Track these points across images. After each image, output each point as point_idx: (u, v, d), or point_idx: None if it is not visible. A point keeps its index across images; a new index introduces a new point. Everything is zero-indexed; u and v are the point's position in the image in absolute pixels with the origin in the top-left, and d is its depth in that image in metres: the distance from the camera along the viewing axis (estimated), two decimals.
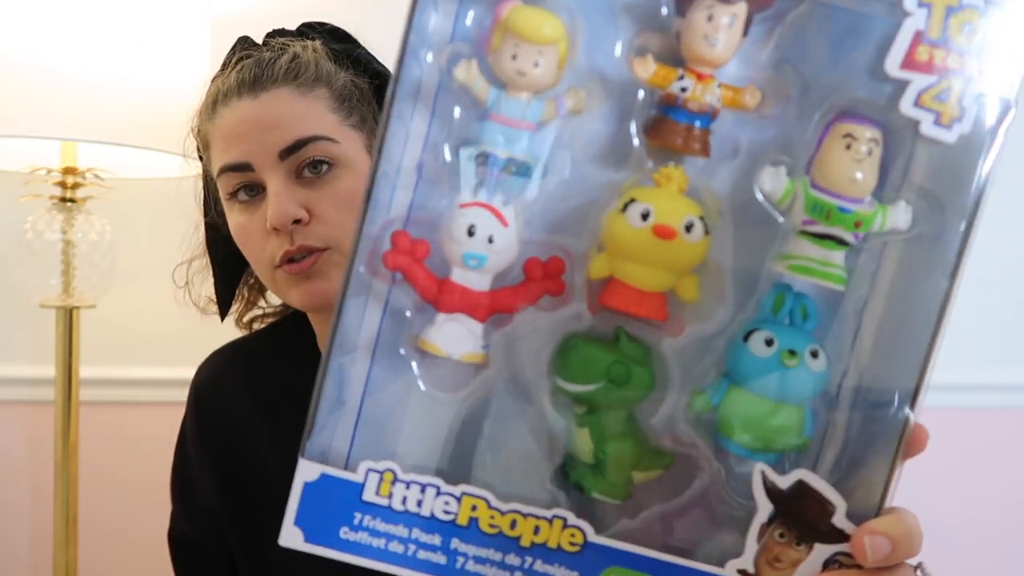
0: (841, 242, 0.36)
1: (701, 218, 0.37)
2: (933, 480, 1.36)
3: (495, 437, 0.38)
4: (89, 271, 1.09)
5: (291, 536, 0.37)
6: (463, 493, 0.35)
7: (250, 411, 0.77)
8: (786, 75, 0.37)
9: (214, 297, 0.85)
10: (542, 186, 0.37)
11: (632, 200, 0.36)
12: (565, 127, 0.38)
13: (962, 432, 1.35)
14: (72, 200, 1.08)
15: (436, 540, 0.35)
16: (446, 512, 0.35)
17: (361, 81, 0.73)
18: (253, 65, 0.69)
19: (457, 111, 0.37)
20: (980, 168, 0.35)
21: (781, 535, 0.36)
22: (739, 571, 0.35)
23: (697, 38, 0.36)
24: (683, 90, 0.36)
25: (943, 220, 0.36)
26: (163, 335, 1.28)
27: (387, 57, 0.80)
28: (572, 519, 0.35)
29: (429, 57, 0.37)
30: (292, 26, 0.78)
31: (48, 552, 1.20)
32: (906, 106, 0.35)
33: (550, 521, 0.35)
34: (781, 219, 0.37)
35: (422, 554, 0.35)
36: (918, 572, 0.40)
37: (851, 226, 0.36)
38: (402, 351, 0.38)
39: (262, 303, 0.88)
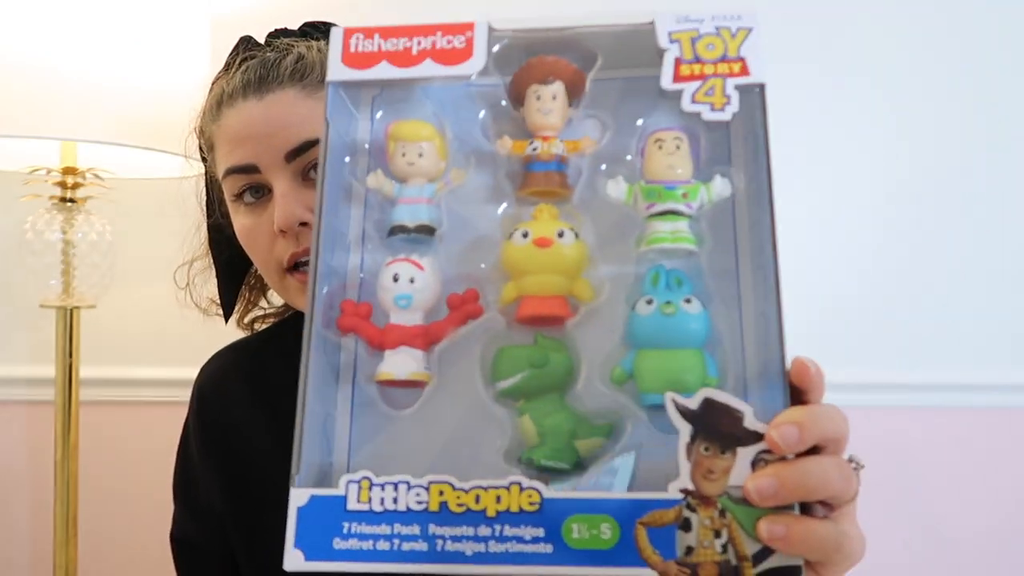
0: (679, 213, 0.46)
1: (571, 228, 0.47)
2: (933, 480, 1.35)
3: (450, 436, 0.46)
4: (89, 271, 1.10)
5: (293, 560, 0.41)
6: (429, 482, 0.41)
7: (252, 412, 0.77)
8: (604, 120, 0.51)
9: (216, 299, 0.84)
10: (447, 238, 0.49)
11: (516, 228, 0.47)
12: (455, 194, 0.50)
13: (962, 432, 1.35)
14: (72, 200, 1.08)
15: (415, 530, 0.40)
16: (418, 502, 0.40)
17: None
18: (258, 66, 0.69)
19: (374, 203, 0.51)
20: (759, 129, 0.45)
21: (706, 448, 0.40)
22: (681, 491, 0.40)
23: (534, 114, 0.49)
24: (535, 149, 0.48)
25: (747, 175, 0.47)
26: (163, 335, 1.28)
27: None
28: (526, 483, 0.40)
29: (347, 159, 0.51)
30: (293, 26, 0.78)
31: (48, 552, 1.20)
32: (686, 105, 0.45)
33: (508, 488, 0.40)
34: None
35: (406, 546, 0.40)
36: (852, 463, 0.42)
37: (680, 198, 0.46)
38: (363, 386, 0.47)
39: (263, 303, 0.88)
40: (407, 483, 0.41)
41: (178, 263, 1.26)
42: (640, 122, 0.50)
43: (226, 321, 0.86)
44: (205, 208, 0.81)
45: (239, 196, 0.69)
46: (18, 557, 1.29)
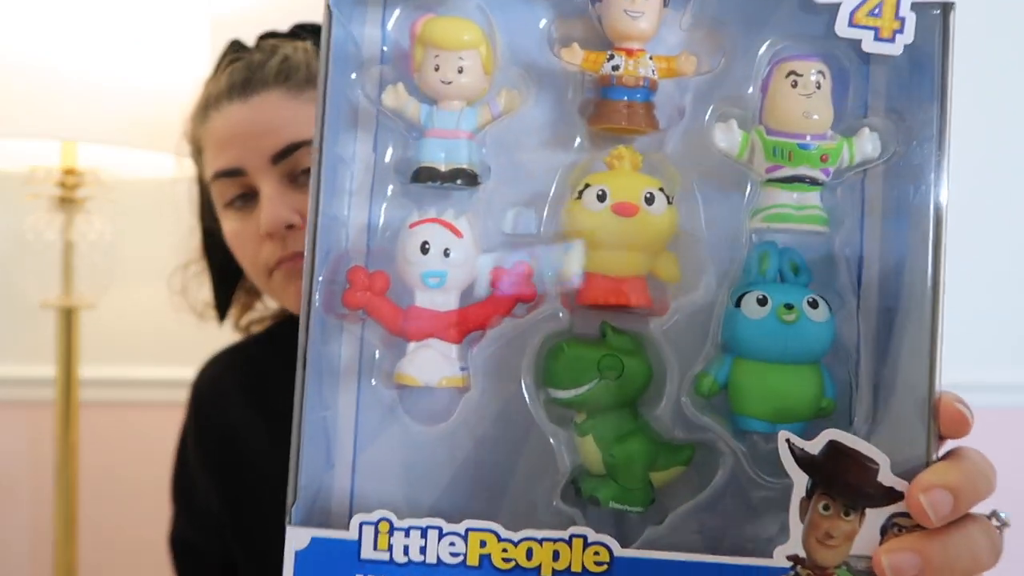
0: (813, 182, 0.34)
1: (660, 189, 0.35)
2: None
3: (492, 463, 0.35)
4: (89, 271, 1.09)
5: None
6: (468, 529, 0.31)
7: (249, 414, 0.77)
8: (716, 32, 0.36)
9: (212, 302, 0.84)
10: (491, 188, 0.36)
11: (587, 185, 0.35)
12: (504, 128, 0.37)
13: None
14: (72, 200, 1.08)
15: None
16: (453, 555, 0.31)
17: None
18: (243, 68, 0.69)
19: (396, 133, 0.36)
20: (935, 74, 0.33)
21: (826, 507, 0.31)
22: (788, 557, 0.31)
23: (619, 16, 0.35)
24: (615, 68, 0.35)
25: (911, 136, 0.34)
26: (163, 335, 1.27)
27: None
28: (592, 536, 0.31)
29: (353, 76, 0.36)
30: (286, 26, 0.78)
31: (48, 552, 1.20)
32: (842, 28, 0.33)
33: (569, 543, 0.31)
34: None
35: None
36: (993, 520, 0.35)
37: (817, 162, 0.34)
38: (379, 389, 0.36)
39: (259, 306, 0.88)
40: (439, 529, 0.32)
41: (177, 264, 1.26)
42: (767, 44, 0.36)
43: (219, 323, 0.85)
44: (199, 211, 0.81)
45: (229, 203, 0.69)
46: (18, 557, 1.28)
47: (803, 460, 0.31)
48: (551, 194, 0.37)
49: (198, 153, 0.73)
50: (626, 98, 0.35)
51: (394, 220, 0.36)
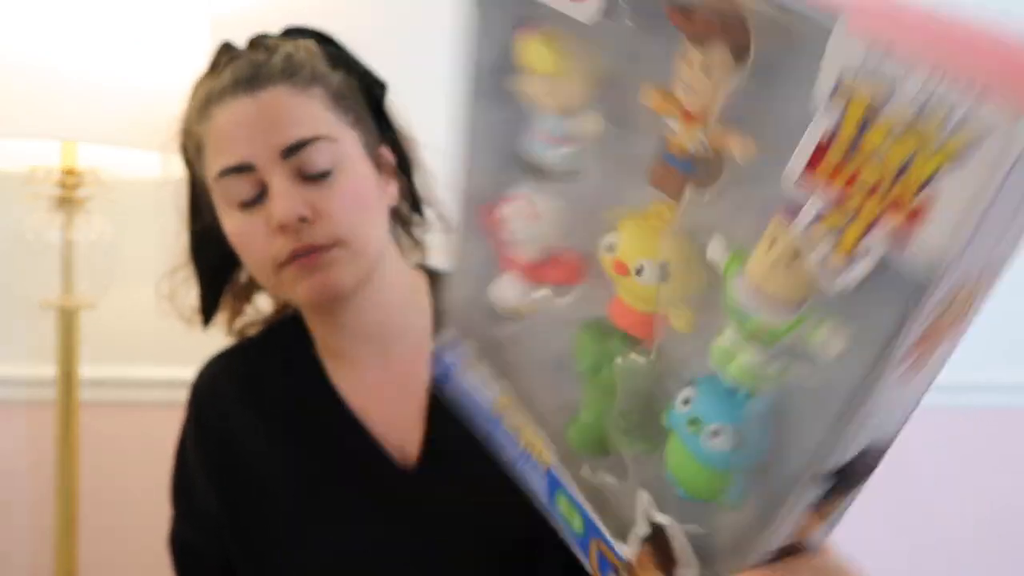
0: (762, 346, 0.34)
1: (658, 263, 0.35)
2: (932, 480, 1.36)
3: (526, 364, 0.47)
4: (89, 271, 1.10)
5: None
6: (496, 395, 0.47)
7: (248, 416, 0.77)
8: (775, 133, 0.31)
9: (199, 306, 0.84)
10: (571, 190, 0.41)
11: (609, 232, 0.38)
12: (595, 144, 0.40)
13: (962, 432, 1.35)
14: (72, 200, 1.08)
15: (484, 416, 0.47)
16: (486, 402, 0.47)
17: (351, 81, 0.73)
18: (247, 65, 0.68)
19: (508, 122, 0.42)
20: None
21: (651, 553, 0.37)
22: (624, 558, 0.38)
23: (678, 84, 0.33)
24: (671, 131, 0.34)
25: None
26: (163, 335, 1.27)
27: (381, 57, 0.80)
28: (548, 441, 0.44)
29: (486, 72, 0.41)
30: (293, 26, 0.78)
31: (48, 552, 1.20)
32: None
33: (538, 436, 0.44)
34: None
35: (481, 422, 0.47)
36: None
37: (785, 331, 0.32)
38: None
39: (249, 310, 0.87)
40: (486, 383, 0.47)
41: (163, 274, 1.26)
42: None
43: (204, 326, 0.84)
44: (188, 213, 0.80)
45: (234, 202, 0.68)
46: (18, 557, 1.29)
47: (647, 518, 0.38)
48: (611, 205, 0.40)
49: (197, 151, 0.72)
50: (667, 162, 0.35)
51: (498, 184, 0.45)
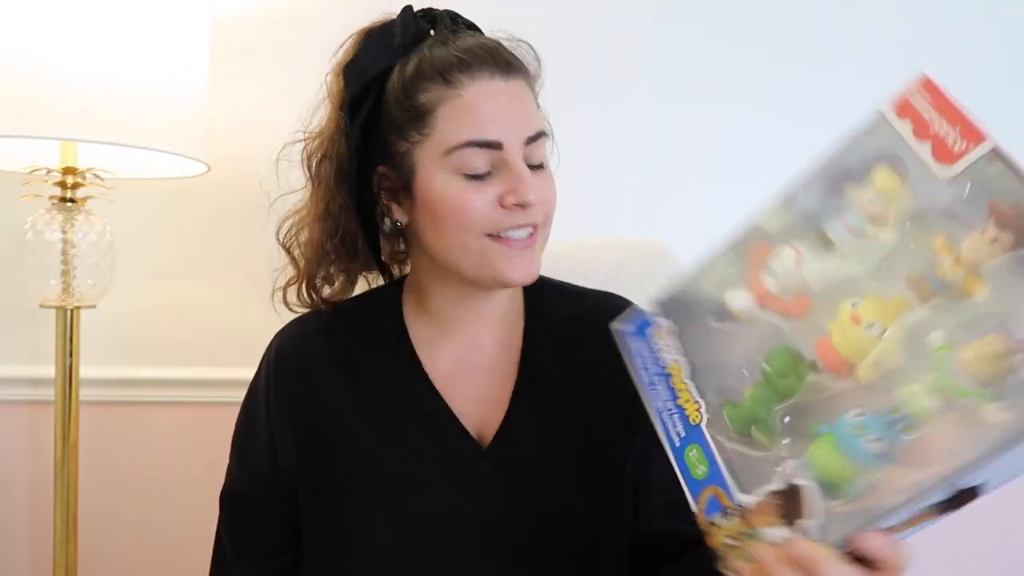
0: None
1: (886, 326, 0.51)
2: None
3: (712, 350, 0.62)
4: (89, 271, 1.10)
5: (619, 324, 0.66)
6: (675, 359, 0.62)
7: (335, 375, 0.79)
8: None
9: (287, 283, 0.83)
10: (834, 260, 0.56)
11: (860, 290, 0.53)
12: (874, 243, 0.55)
13: None
14: (72, 200, 1.08)
15: (655, 369, 0.63)
16: (663, 361, 0.63)
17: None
18: (499, 48, 0.73)
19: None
20: None
21: (776, 504, 0.51)
22: (740, 502, 0.53)
23: (968, 245, 0.49)
24: (941, 263, 0.50)
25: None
26: (163, 335, 1.28)
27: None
28: (702, 408, 0.58)
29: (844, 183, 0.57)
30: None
31: (48, 552, 1.20)
32: None
33: (695, 401, 0.59)
34: None
35: (642, 374, 0.64)
36: None
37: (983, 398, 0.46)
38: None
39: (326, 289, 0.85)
40: (675, 355, 0.62)
41: (178, 263, 1.26)
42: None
43: (295, 297, 0.83)
44: (355, 178, 0.77)
45: (468, 172, 0.70)
46: (18, 557, 1.29)
47: (787, 479, 0.52)
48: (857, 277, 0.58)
49: (423, 114, 0.71)
50: (928, 280, 0.50)
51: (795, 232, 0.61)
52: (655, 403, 0.61)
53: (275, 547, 0.81)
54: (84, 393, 1.15)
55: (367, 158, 0.76)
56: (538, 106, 0.76)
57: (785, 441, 0.53)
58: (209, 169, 1.10)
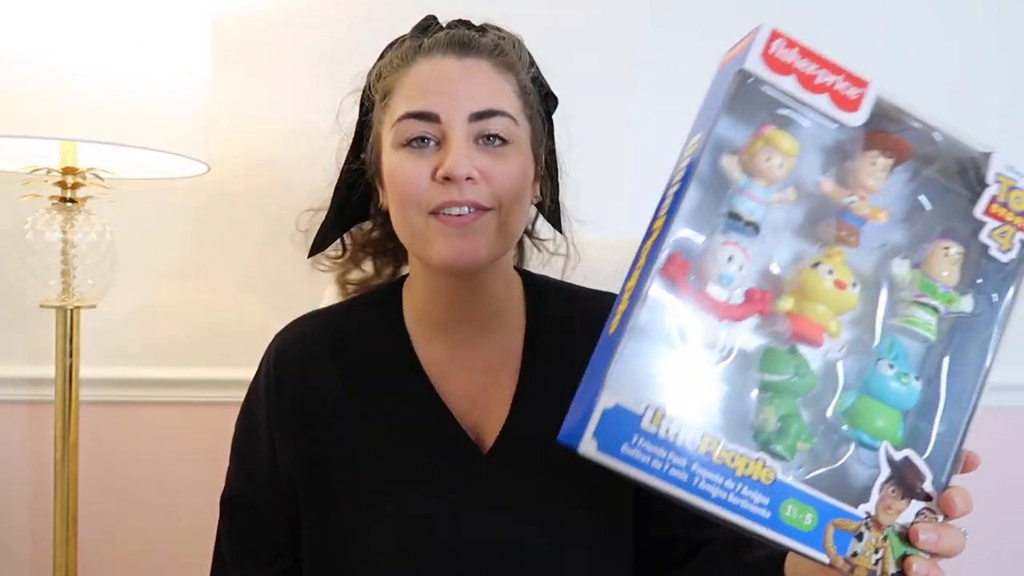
0: (935, 310, 0.55)
1: (855, 282, 0.54)
2: None
3: (715, 397, 0.54)
4: (89, 271, 1.10)
5: (588, 446, 0.49)
6: (703, 434, 0.50)
7: (334, 374, 0.79)
8: (915, 207, 0.58)
9: (328, 252, 0.88)
10: (765, 240, 0.54)
11: (821, 262, 0.54)
12: (783, 208, 0.55)
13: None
14: (72, 200, 1.08)
15: (682, 462, 0.50)
16: (692, 444, 0.50)
17: (535, 84, 0.79)
18: (461, 34, 0.74)
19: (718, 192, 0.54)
20: (1019, 277, 0.55)
21: (893, 490, 0.52)
22: (866, 512, 0.52)
23: (865, 174, 0.55)
24: (851, 202, 0.55)
25: (991, 310, 0.56)
26: (163, 335, 1.28)
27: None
28: (769, 461, 0.51)
29: (722, 158, 0.54)
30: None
31: (48, 552, 1.20)
32: (983, 236, 0.54)
33: (756, 460, 0.51)
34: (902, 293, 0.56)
35: (672, 471, 0.50)
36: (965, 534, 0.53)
37: (946, 301, 0.55)
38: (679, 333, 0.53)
39: (366, 267, 0.90)
40: (688, 424, 0.50)
41: (178, 263, 1.26)
42: (938, 227, 0.57)
43: (309, 255, 0.88)
44: (347, 154, 0.84)
45: (407, 143, 0.71)
46: (18, 557, 1.29)
47: (891, 460, 0.53)
48: (791, 254, 0.57)
49: (384, 96, 0.76)
50: (851, 222, 0.55)
51: (701, 233, 0.53)
52: (712, 496, 0.51)
53: (275, 550, 0.81)
54: (84, 393, 1.15)
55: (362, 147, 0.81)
56: (521, 93, 0.75)
57: (836, 433, 0.55)
58: (209, 169, 1.10)
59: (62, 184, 1.08)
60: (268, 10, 1.23)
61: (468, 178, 0.69)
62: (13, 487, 1.28)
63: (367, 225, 0.88)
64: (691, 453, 0.50)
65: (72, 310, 1.10)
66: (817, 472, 0.54)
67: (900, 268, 0.56)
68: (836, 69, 0.53)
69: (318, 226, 0.87)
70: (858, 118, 0.53)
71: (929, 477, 0.53)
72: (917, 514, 0.53)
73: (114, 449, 1.28)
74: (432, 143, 0.71)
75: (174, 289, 1.28)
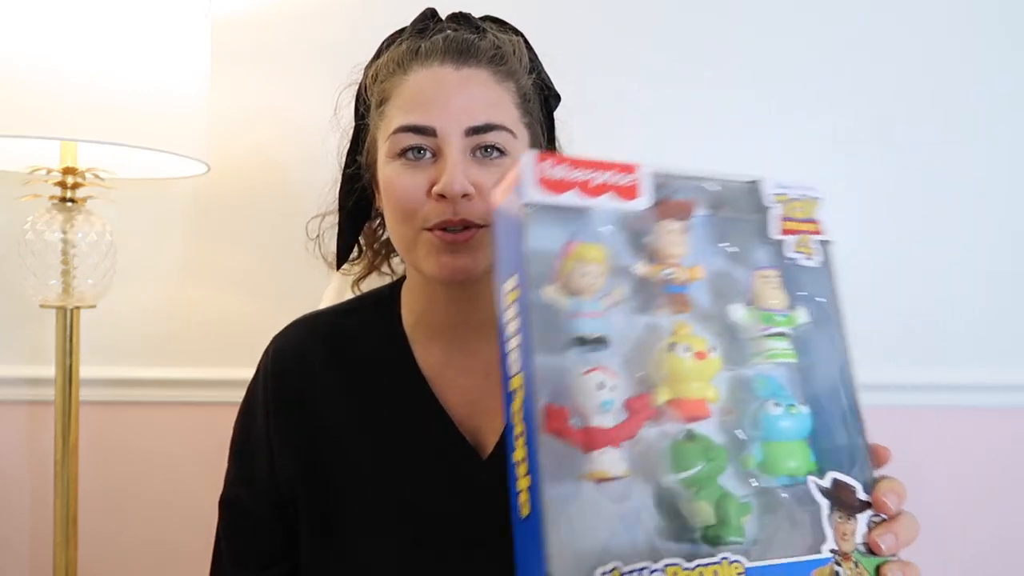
0: (783, 335, 0.57)
1: (711, 345, 0.54)
2: (932, 480, 1.36)
3: (646, 521, 0.52)
4: (89, 271, 1.10)
5: None
6: (666, 565, 0.48)
7: (332, 379, 0.78)
8: (722, 253, 0.60)
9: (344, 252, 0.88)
10: (618, 347, 0.54)
11: (675, 343, 0.54)
12: (617, 309, 0.55)
13: (962, 432, 1.36)
14: (72, 200, 1.08)
15: None
16: None
17: (536, 85, 0.77)
18: (460, 39, 0.72)
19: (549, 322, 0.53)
20: (833, 273, 0.59)
21: (840, 517, 0.53)
22: (831, 551, 0.52)
23: (667, 243, 0.56)
24: (670, 274, 0.56)
25: (823, 309, 0.59)
26: (163, 335, 1.28)
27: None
28: (731, 556, 0.50)
29: (543, 292, 0.53)
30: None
31: (48, 552, 1.20)
32: (788, 253, 0.58)
33: (720, 563, 0.50)
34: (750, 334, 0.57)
35: None
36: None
37: (788, 323, 0.57)
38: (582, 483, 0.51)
39: (385, 269, 0.90)
40: (647, 568, 0.48)
41: (178, 263, 1.26)
42: (750, 260, 0.59)
43: (338, 267, 0.88)
44: (345, 156, 0.83)
45: (402, 153, 0.71)
46: (18, 557, 1.29)
47: (822, 491, 0.53)
48: (643, 346, 0.56)
49: (380, 102, 0.74)
50: (678, 292, 0.56)
51: (559, 367, 0.52)
52: None
53: (272, 553, 0.81)
54: (84, 393, 1.15)
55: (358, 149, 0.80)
56: (520, 102, 0.74)
57: (765, 491, 0.54)
58: (209, 169, 1.10)
59: (62, 184, 1.07)
60: (268, 10, 1.23)
61: (464, 195, 0.68)
62: (13, 487, 1.28)
63: (375, 223, 0.88)
64: None
65: (72, 310, 1.10)
66: (773, 538, 0.53)
67: (737, 312, 0.57)
68: (605, 166, 0.53)
69: (328, 231, 0.87)
70: (642, 202, 0.54)
71: (859, 487, 0.54)
72: (868, 525, 0.53)
73: (114, 449, 1.28)
74: (428, 154, 0.70)
75: (174, 289, 1.28)
